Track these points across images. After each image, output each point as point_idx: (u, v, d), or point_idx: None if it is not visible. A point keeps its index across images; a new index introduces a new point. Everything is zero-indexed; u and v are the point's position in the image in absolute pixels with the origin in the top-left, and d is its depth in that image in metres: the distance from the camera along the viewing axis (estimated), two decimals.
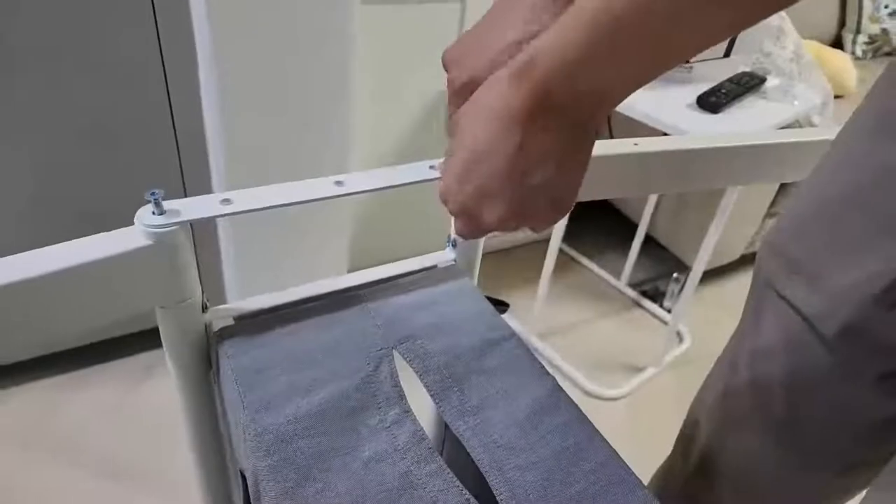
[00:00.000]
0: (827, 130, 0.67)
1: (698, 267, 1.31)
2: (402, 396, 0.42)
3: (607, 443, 0.41)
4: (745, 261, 1.75)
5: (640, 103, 1.18)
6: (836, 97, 1.56)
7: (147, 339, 1.26)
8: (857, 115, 0.49)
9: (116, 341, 1.26)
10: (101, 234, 0.40)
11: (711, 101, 1.18)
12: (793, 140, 0.68)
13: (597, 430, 0.42)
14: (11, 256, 0.38)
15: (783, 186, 1.55)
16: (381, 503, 0.36)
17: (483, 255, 0.58)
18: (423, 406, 0.48)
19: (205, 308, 0.47)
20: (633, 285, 1.77)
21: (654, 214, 1.67)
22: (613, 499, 0.38)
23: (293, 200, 0.45)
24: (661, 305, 1.71)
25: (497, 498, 0.37)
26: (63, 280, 0.38)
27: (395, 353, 0.45)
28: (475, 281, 0.58)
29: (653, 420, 1.37)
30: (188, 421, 0.51)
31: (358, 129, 1.06)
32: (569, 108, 0.35)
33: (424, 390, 0.43)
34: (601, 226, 1.92)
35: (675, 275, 1.67)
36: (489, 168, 0.36)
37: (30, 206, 1.04)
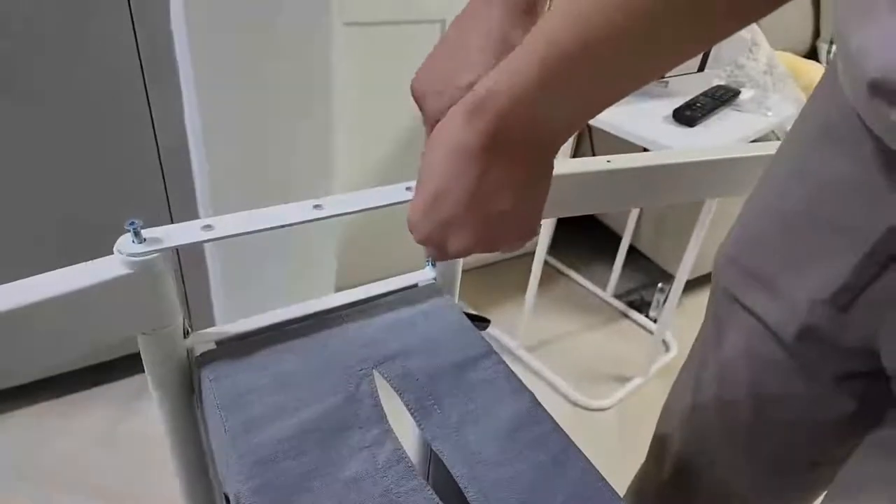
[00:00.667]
0: None
1: (682, 277, 1.32)
2: (382, 416, 0.43)
3: (584, 456, 0.42)
4: None
5: (616, 118, 1.21)
6: None
7: (138, 363, 1.26)
8: (802, 122, 0.49)
9: (107, 365, 1.25)
10: (82, 263, 0.41)
11: (687, 115, 1.21)
12: (763, 153, 0.69)
13: (574, 444, 0.43)
14: None
15: None
16: None
17: (468, 270, 0.59)
18: (406, 425, 0.48)
19: (187, 333, 0.47)
20: (618, 296, 1.79)
21: (637, 226, 1.69)
22: None
23: (273, 225, 0.46)
24: (646, 315, 1.73)
25: None
26: (45, 309, 0.39)
27: (376, 373, 0.46)
28: (455, 298, 0.58)
29: (641, 429, 1.36)
30: (173, 445, 0.51)
31: (341, 148, 1.07)
32: (525, 141, 0.35)
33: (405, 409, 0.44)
34: (585, 238, 1.94)
35: (659, 285, 1.68)
36: (451, 202, 0.37)
37: (18, 214, 1.04)
